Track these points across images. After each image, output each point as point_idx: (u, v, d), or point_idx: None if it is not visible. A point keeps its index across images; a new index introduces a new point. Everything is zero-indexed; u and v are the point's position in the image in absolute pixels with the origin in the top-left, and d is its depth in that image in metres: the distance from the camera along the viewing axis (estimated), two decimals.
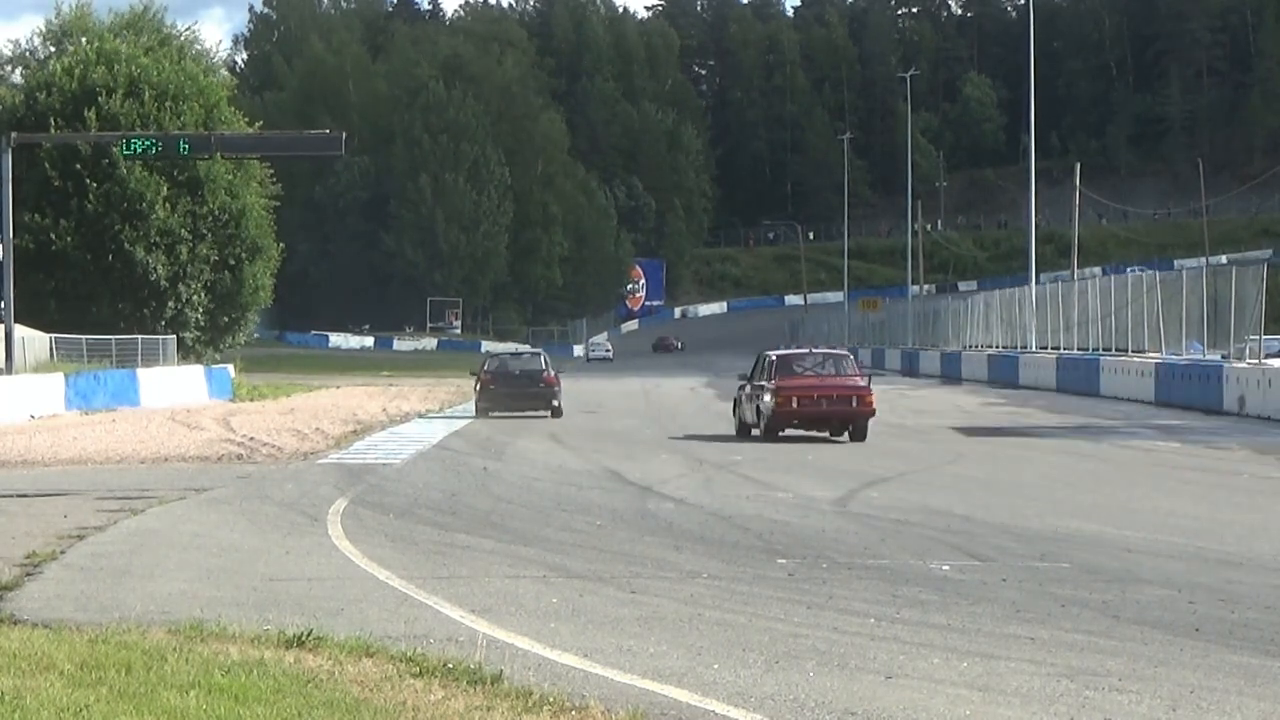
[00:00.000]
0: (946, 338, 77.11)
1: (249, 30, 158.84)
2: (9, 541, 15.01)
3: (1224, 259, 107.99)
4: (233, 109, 58.88)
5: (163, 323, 54.40)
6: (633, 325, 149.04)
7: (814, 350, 34.81)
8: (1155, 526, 16.61)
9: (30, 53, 68.18)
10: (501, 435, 31.81)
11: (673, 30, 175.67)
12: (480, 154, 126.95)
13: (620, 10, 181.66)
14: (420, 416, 39.19)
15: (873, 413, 30.03)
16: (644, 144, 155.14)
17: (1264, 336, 41.19)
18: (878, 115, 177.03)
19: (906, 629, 10.56)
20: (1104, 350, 51.03)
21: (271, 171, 60.02)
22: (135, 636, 9.89)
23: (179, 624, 10.41)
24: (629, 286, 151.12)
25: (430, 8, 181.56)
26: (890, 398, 50.04)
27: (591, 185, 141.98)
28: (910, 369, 78.25)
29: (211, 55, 70.32)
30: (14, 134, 44.88)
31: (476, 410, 37.80)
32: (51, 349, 48.09)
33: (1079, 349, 54.09)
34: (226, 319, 57.80)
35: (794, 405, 29.74)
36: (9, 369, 41.57)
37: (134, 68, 55.57)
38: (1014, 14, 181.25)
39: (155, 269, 53.90)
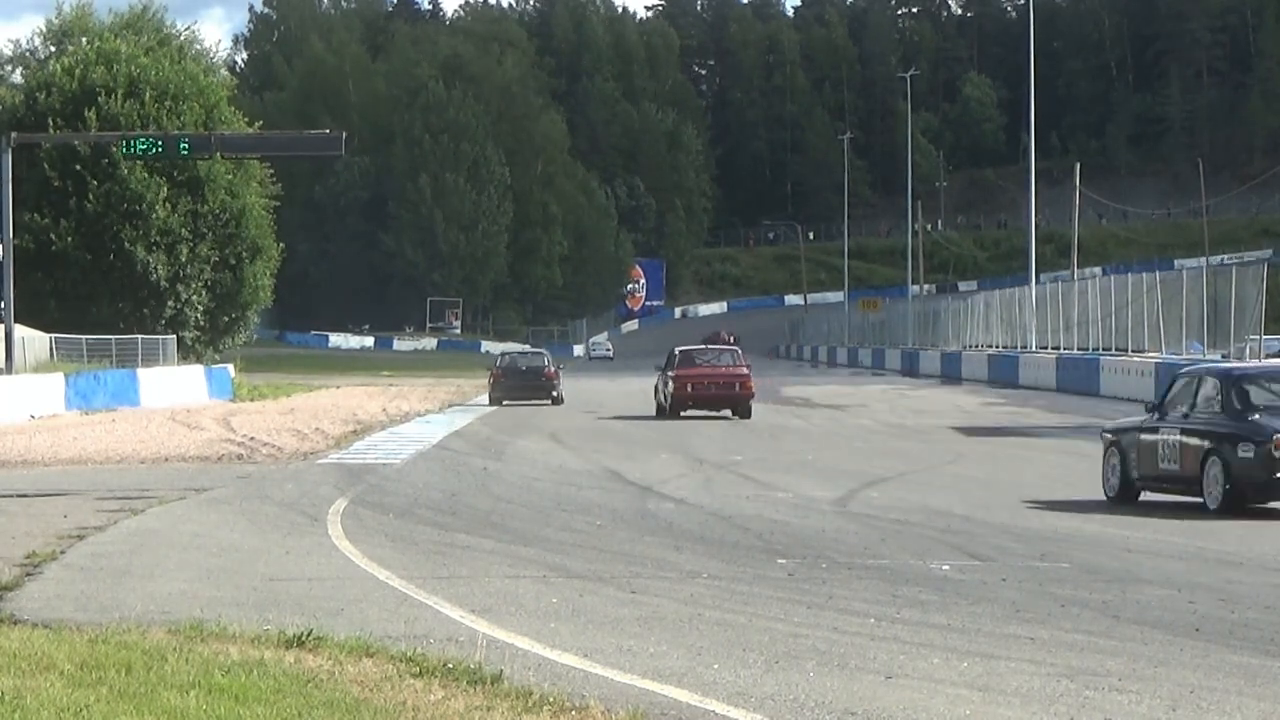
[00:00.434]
0: (946, 338, 77.09)
1: (249, 30, 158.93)
2: (9, 541, 15.01)
3: (1224, 259, 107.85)
4: (233, 109, 58.83)
5: (163, 323, 54.37)
6: (633, 325, 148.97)
7: (710, 346, 43.85)
8: (1155, 526, 16.63)
9: (30, 53, 68.34)
10: (501, 435, 31.84)
11: (673, 30, 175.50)
12: (480, 154, 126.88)
13: (620, 10, 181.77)
14: (421, 417, 39.22)
15: (752, 395, 36.09)
16: (644, 144, 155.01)
17: (1264, 336, 41.22)
18: (878, 115, 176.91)
19: (906, 629, 10.55)
20: (1104, 350, 50.99)
21: (271, 171, 59.99)
22: (135, 636, 9.88)
23: (179, 624, 10.40)
24: (629, 286, 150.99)
25: (430, 8, 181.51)
26: (890, 398, 50.12)
27: (591, 185, 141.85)
28: (910, 369, 78.22)
29: (211, 55, 70.55)
30: (14, 134, 44.88)
31: (490, 399, 44.26)
32: (51, 349, 48.09)
33: (1079, 349, 54.06)
34: (226, 319, 57.78)
35: (689, 389, 35.75)
36: (9, 369, 41.54)
37: (134, 68, 55.52)
38: (1014, 14, 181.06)
39: (155, 269, 53.87)
